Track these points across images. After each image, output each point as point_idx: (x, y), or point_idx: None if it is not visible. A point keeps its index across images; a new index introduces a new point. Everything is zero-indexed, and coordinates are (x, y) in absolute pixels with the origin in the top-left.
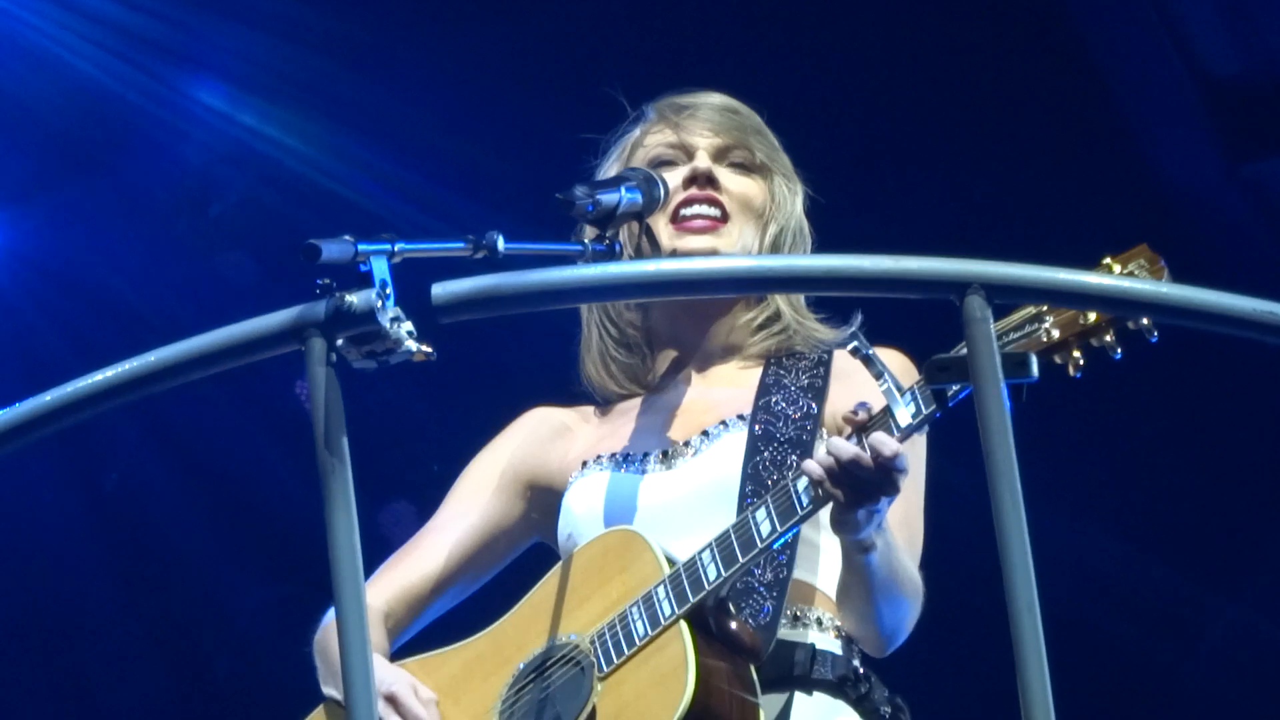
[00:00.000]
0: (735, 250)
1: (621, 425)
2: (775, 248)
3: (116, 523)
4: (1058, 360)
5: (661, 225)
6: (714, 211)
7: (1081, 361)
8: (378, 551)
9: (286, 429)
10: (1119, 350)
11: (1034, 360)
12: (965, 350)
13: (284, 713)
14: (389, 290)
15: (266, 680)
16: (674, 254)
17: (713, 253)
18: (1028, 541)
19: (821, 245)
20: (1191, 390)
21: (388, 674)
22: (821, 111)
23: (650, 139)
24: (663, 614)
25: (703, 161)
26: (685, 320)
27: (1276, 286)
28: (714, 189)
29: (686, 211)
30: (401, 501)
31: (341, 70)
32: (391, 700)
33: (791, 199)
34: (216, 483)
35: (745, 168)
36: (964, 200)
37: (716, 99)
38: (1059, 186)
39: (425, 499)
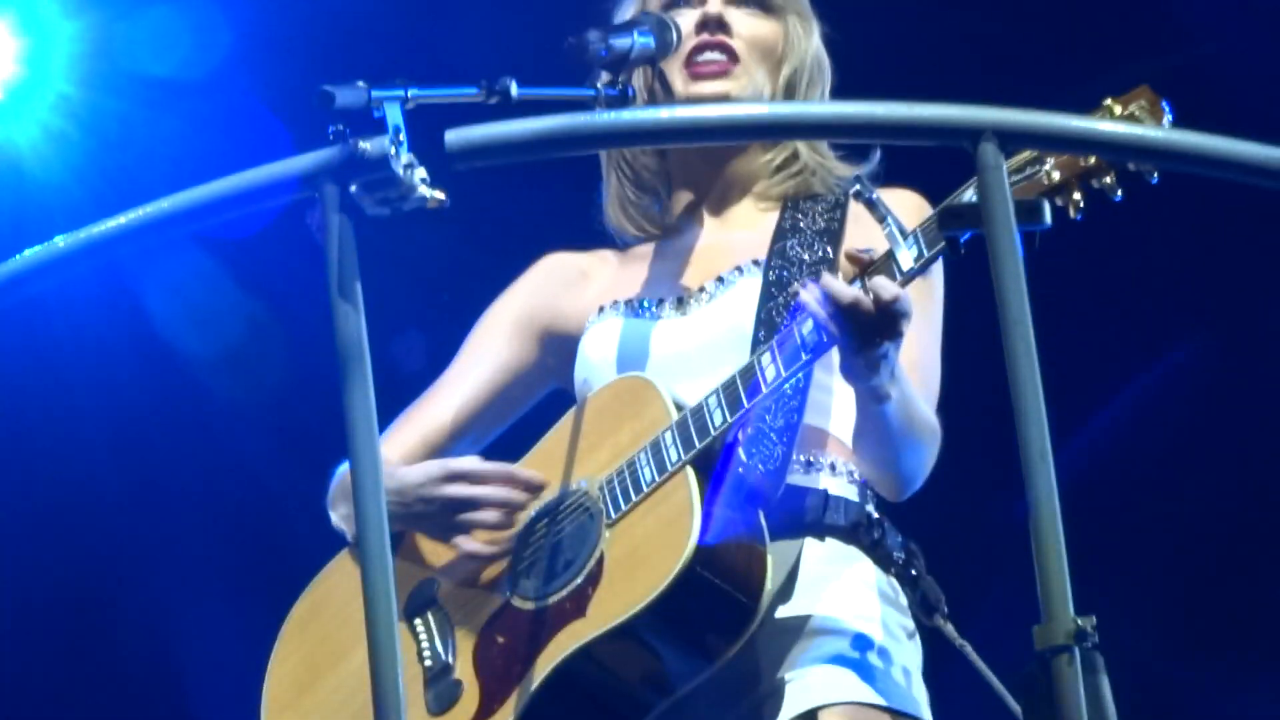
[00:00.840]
0: (747, 93)
1: (638, 270)
2: (790, 88)
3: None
4: (1059, 202)
5: (675, 70)
6: (722, 56)
7: (1082, 204)
8: (389, 382)
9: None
10: (1119, 192)
11: (1047, 207)
12: (975, 196)
13: None
14: (402, 136)
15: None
16: (686, 100)
17: (724, 97)
18: (1040, 389)
19: (835, 89)
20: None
21: (427, 466)
22: None
23: None
24: (669, 460)
25: (713, 6)
26: (700, 163)
27: None
28: (725, 33)
29: (698, 57)
30: (413, 330)
31: None
32: (456, 477)
33: (806, 38)
34: None
35: (759, 7)
36: (979, 38)
37: None
38: (1067, 17)
39: (437, 329)
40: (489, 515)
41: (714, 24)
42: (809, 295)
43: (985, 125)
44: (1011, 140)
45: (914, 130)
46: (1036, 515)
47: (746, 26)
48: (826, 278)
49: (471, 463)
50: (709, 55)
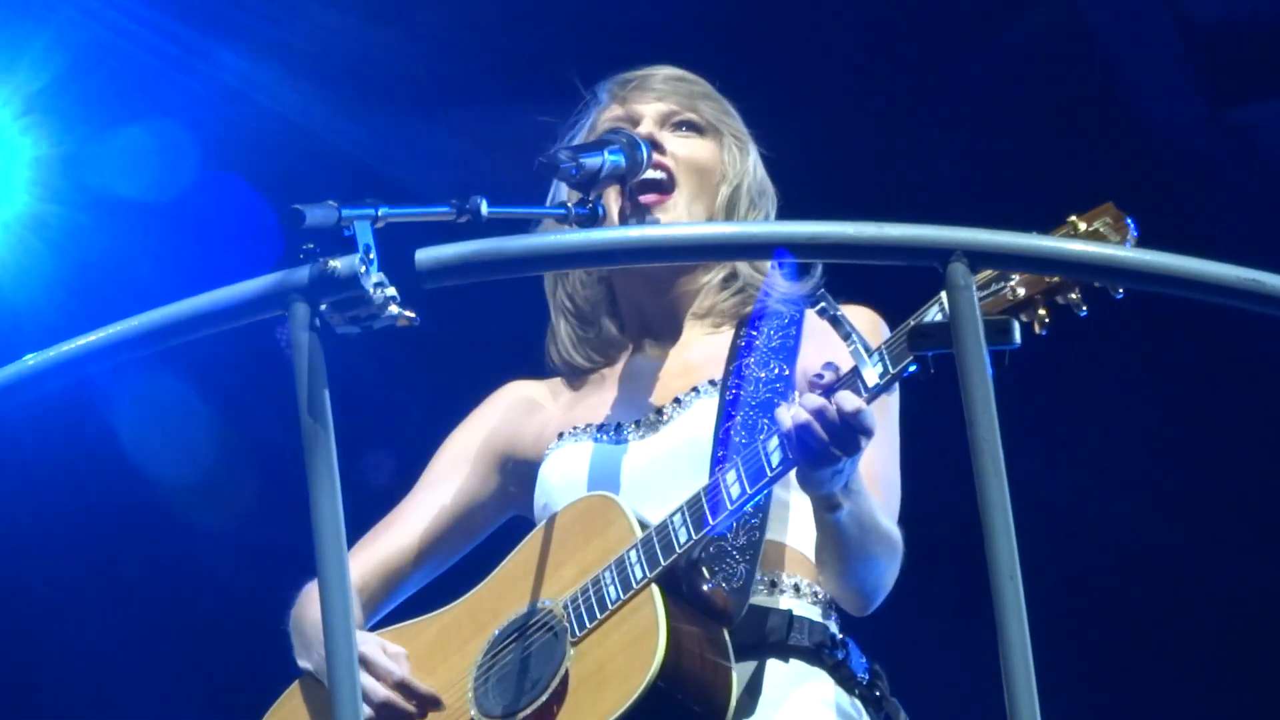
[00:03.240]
0: (683, 217)
1: (597, 396)
2: (730, 208)
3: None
4: (1024, 319)
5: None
6: (662, 175)
7: (1047, 319)
8: (357, 499)
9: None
10: (1084, 308)
11: (1017, 327)
12: (939, 314)
13: None
14: (372, 255)
15: None
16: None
17: (657, 224)
18: (1010, 510)
19: (794, 209)
20: (1173, 346)
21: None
22: (794, 75)
23: (603, 118)
24: (634, 578)
25: (645, 127)
26: (646, 288)
27: (1256, 232)
28: (659, 153)
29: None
30: (381, 450)
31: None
32: (360, 663)
33: (743, 159)
34: None
35: (692, 129)
36: (946, 152)
37: (664, 70)
38: (1041, 137)
39: (405, 447)
40: (376, 709)
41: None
42: (782, 413)
43: (955, 245)
44: (981, 261)
45: (885, 250)
46: (1005, 636)
47: (682, 147)
48: (798, 394)
49: (375, 653)
50: (648, 175)
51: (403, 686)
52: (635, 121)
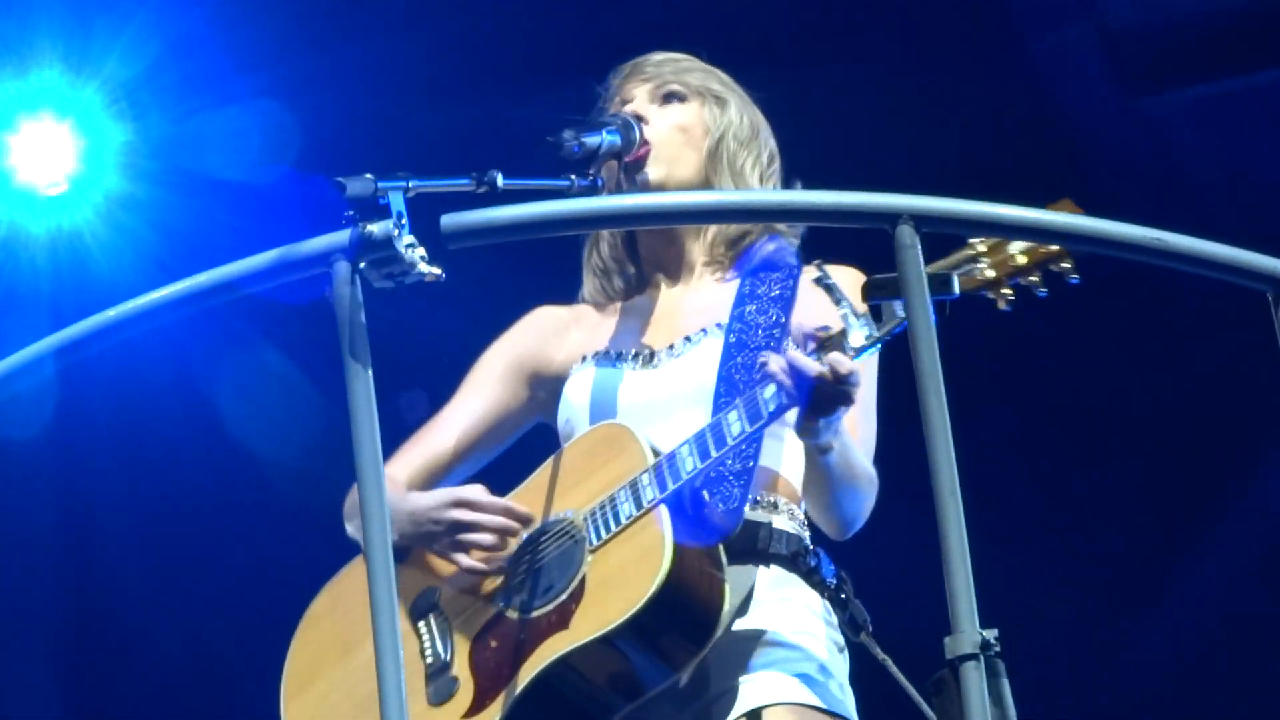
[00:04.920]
0: (664, 175)
1: (619, 324)
2: (715, 157)
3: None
4: (990, 295)
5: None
6: (645, 149)
7: (1011, 297)
8: (395, 432)
9: None
10: (1043, 289)
11: (955, 278)
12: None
13: None
14: (404, 221)
15: None
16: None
17: (649, 185)
18: (949, 432)
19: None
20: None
21: (437, 493)
22: (764, 70)
23: (608, 103)
24: (645, 498)
25: (634, 106)
26: (661, 240)
27: (1165, 213)
28: (645, 125)
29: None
30: (416, 389)
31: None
32: (462, 504)
33: (723, 112)
34: None
35: (677, 98)
36: (886, 139)
37: (656, 55)
38: (969, 123)
39: (437, 387)
40: (486, 538)
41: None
42: (775, 364)
43: (902, 210)
44: (925, 223)
45: (842, 214)
46: (946, 543)
47: (664, 116)
48: (795, 353)
49: (476, 492)
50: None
51: (507, 510)
52: (629, 102)
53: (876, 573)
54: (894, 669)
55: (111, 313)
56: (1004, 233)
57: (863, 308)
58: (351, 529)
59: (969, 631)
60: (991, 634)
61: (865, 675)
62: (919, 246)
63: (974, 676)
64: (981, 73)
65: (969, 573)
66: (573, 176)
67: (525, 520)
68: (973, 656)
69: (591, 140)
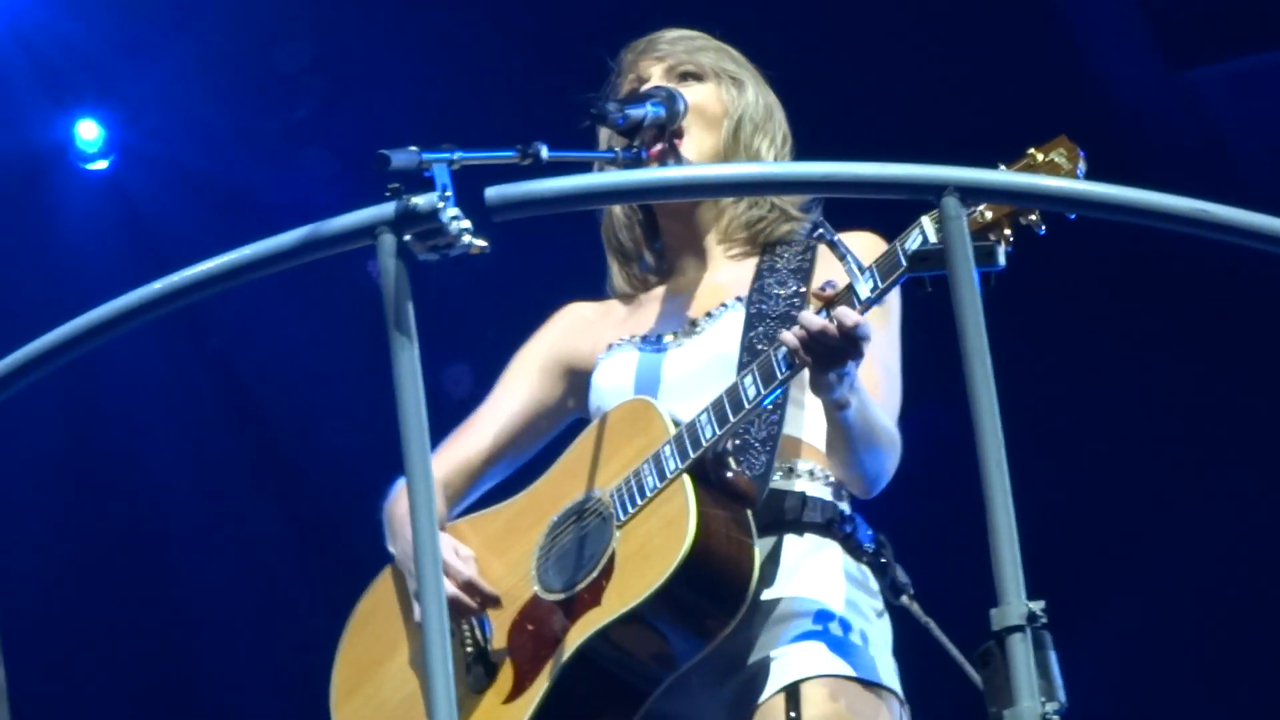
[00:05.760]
0: (694, 153)
1: (642, 311)
2: (735, 138)
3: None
4: (991, 238)
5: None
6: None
7: (1011, 238)
8: (440, 406)
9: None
10: (1043, 227)
11: (1001, 251)
12: (923, 236)
13: None
14: (449, 193)
15: None
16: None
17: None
18: (996, 407)
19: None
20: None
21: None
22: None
23: (622, 80)
24: (668, 469)
25: (648, 85)
26: (680, 221)
27: (1208, 185)
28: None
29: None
30: (460, 364)
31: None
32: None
33: (740, 94)
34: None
35: (694, 77)
36: (927, 111)
37: (669, 32)
38: (1010, 93)
39: (481, 361)
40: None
41: None
42: (787, 334)
43: (949, 182)
44: (970, 194)
45: (888, 186)
46: (994, 516)
47: (686, 96)
48: (801, 314)
49: (448, 554)
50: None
51: (469, 586)
52: (645, 80)
53: (921, 541)
54: (938, 631)
55: (156, 285)
56: (1047, 204)
57: (867, 261)
58: (389, 535)
59: (1015, 603)
60: (1038, 605)
61: (909, 640)
62: (964, 218)
63: (1020, 649)
64: (1023, 45)
65: (1015, 545)
66: (617, 149)
67: (488, 600)
68: (1019, 628)
69: (636, 113)
